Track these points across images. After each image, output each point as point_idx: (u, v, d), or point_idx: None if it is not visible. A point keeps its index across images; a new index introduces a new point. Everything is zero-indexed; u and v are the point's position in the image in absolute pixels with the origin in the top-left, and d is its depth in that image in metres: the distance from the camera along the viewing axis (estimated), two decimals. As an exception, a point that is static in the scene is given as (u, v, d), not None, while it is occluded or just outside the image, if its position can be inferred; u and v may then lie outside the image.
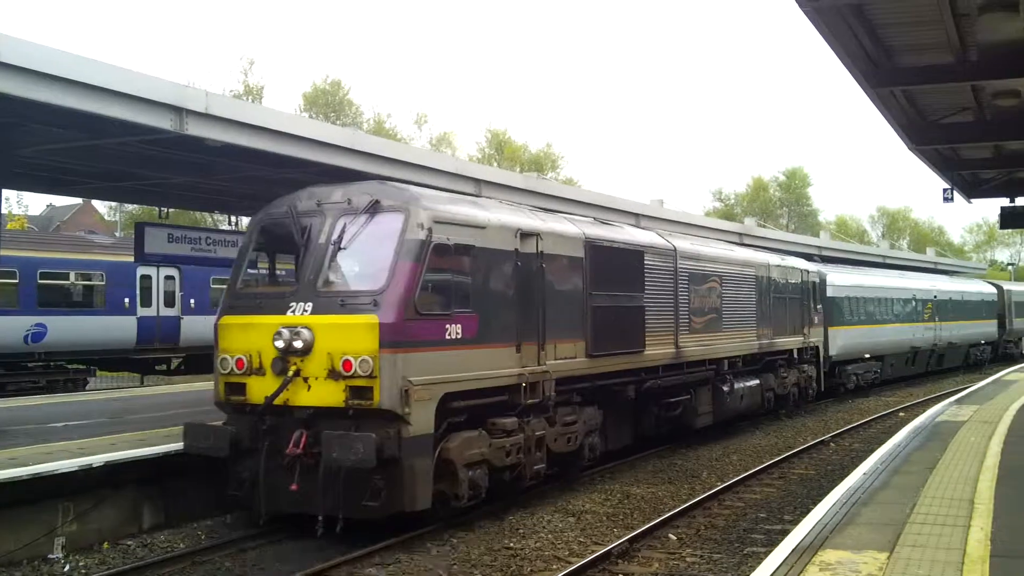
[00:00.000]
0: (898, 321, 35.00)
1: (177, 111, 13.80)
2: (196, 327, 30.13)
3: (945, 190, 23.26)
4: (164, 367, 31.85)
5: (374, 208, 12.03)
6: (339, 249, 11.87)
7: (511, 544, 12.12)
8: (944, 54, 14.21)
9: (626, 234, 17.03)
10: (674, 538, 12.32)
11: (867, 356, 32.01)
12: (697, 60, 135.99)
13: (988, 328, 45.28)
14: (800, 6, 10.86)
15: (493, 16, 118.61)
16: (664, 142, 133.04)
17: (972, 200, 25.58)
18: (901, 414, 25.37)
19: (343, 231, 11.93)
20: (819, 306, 27.15)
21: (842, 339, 29.98)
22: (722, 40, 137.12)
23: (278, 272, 13.37)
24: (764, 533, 12.44)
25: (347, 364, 11.23)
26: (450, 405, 11.92)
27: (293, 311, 11.68)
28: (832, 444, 20.50)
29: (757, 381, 22.10)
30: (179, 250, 18.26)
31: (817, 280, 27.33)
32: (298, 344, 11.46)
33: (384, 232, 11.76)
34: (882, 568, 7.85)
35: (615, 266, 15.77)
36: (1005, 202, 23.72)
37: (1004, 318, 47.41)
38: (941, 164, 22.04)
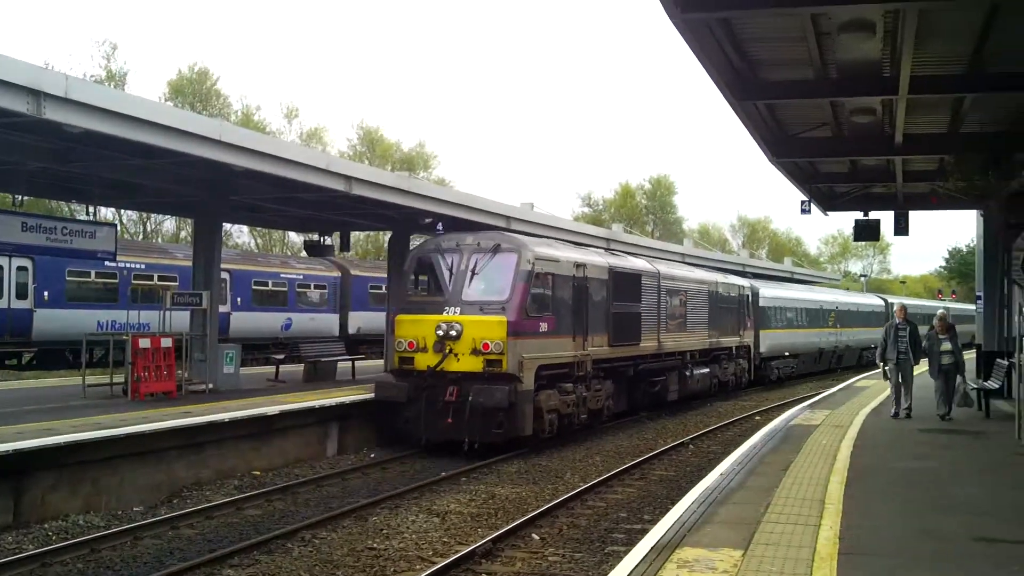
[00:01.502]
0: (810, 327, 42.16)
1: (34, 94, 13.25)
2: (50, 320, 28.98)
3: (803, 202, 24.10)
4: (15, 362, 30.53)
5: (496, 249, 19.64)
6: (474, 274, 19.43)
7: (374, 544, 12.03)
8: (806, 70, 14.72)
9: (630, 263, 24.97)
10: (537, 538, 12.43)
11: (787, 354, 39.04)
12: (568, 66, 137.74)
13: (877, 334, 47.77)
14: (670, 18, 11.09)
15: (368, 12, 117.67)
16: (536, 146, 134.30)
17: (828, 213, 26.50)
18: (757, 418, 26.14)
19: (476, 263, 19.56)
20: (751, 314, 34.34)
21: (769, 340, 36.91)
22: (592, 47, 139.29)
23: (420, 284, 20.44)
24: (625, 532, 12.65)
25: (485, 345, 18.56)
26: (540, 373, 19.19)
27: (447, 312, 18.98)
28: (691, 446, 20.98)
29: (708, 370, 29.56)
30: (33, 240, 17.50)
31: (750, 293, 34.76)
32: (453, 333, 18.75)
33: (504, 264, 19.36)
34: (736, 565, 8.08)
35: (624, 285, 23.37)
36: (859, 215, 24.55)
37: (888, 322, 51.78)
38: (800, 177, 22.81)
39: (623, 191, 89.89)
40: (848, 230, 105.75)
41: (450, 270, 19.77)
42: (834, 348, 45.34)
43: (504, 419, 18.45)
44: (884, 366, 19.52)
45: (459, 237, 20.24)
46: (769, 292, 38.23)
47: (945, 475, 12.66)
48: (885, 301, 55.66)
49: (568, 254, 21.38)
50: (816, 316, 43.28)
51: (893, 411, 19.34)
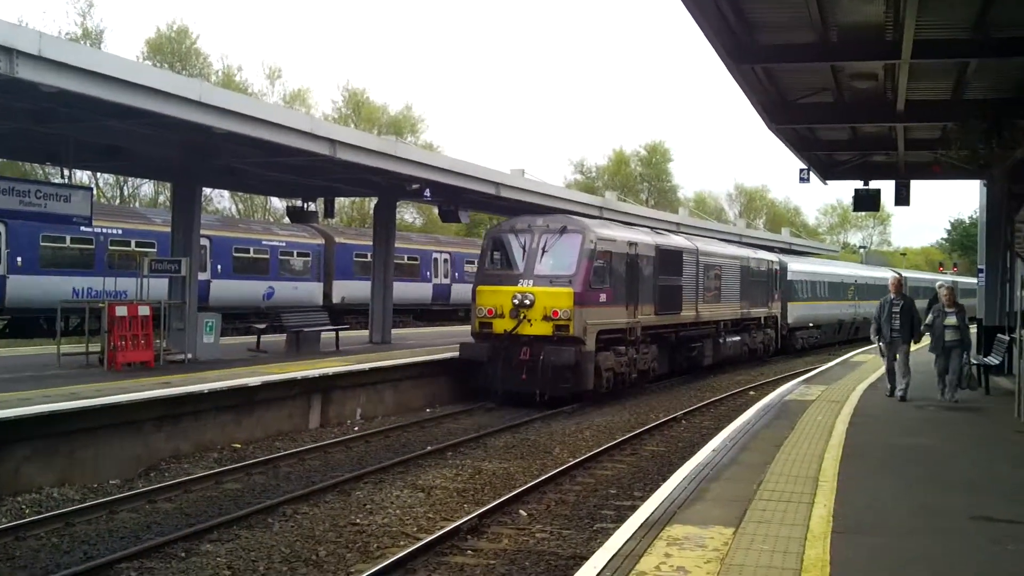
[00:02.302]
0: (832, 299, 45.65)
1: (7, 52, 13.12)
2: (24, 287, 28.83)
3: (802, 170, 24.02)
4: (-14, 329, 30.44)
5: (563, 230, 23.28)
6: (544, 252, 23.16)
7: (358, 520, 12.06)
8: (806, 33, 14.64)
9: (673, 241, 28.90)
10: (524, 514, 12.47)
11: (810, 325, 42.62)
12: (561, 29, 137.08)
13: None
14: (667, -23, 11.00)
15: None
16: (527, 111, 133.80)
17: (828, 181, 26.48)
18: (751, 393, 26.24)
19: (545, 242, 23.25)
20: (779, 287, 38.19)
21: (795, 312, 40.54)
22: (586, 8, 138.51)
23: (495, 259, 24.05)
24: (614, 509, 12.70)
25: (555, 312, 22.28)
26: (600, 337, 23.02)
27: (522, 284, 22.73)
28: (684, 421, 21.06)
29: (739, 338, 33.37)
30: (5, 203, 17.37)
31: (778, 268, 38.42)
32: (527, 302, 22.48)
33: (570, 243, 23.04)
34: (727, 543, 8.11)
35: (668, 261, 27.20)
36: (859, 184, 24.48)
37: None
38: (799, 144, 22.76)
39: (617, 158, 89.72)
40: (848, 200, 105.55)
41: (523, 248, 23.74)
42: (852, 319, 48.73)
43: (570, 375, 22.41)
44: (879, 342, 18.70)
45: (530, 220, 24.34)
46: (796, 266, 42.02)
47: (943, 452, 12.73)
48: (900, 275, 57.26)
49: (623, 234, 25.54)
50: (837, 289, 46.74)
51: (888, 390, 18.80)
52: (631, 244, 25.09)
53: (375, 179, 25.05)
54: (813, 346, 43.11)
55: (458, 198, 27.77)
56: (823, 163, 25.33)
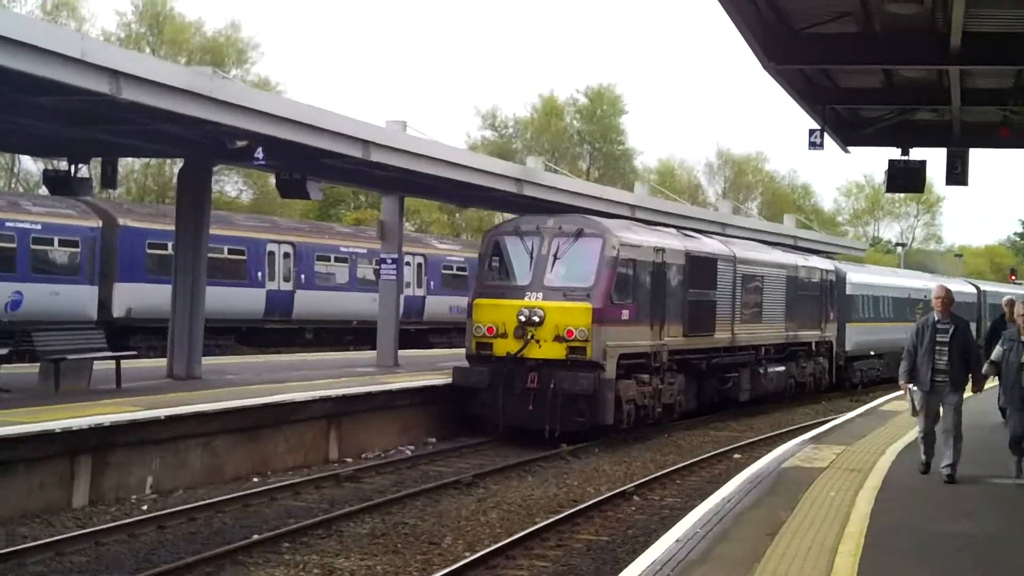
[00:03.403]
0: (897, 320, 48.60)
1: None
2: None
3: (813, 132, 24.24)
4: None
5: (579, 233, 27.42)
6: (556, 259, 27.29)
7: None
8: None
9: (706, 246, 33.18)
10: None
11: (871, 353, 46.27)
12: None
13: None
14: None
15: None
16: (414, 40, 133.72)
17: (850, 148, 26.89)
18: (736, 456, 26.56)
19: (558, 247, 27.39)
20: (835, 303, 42.24)
21: (855, 335, 44.03)
22: None
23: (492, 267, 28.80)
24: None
25: (569, 332, 26.28)
26: (621, 362, 26.88)
27: (529, 297, 26.82)
28: (636, 497, 21.24)
29: (783, 368, 37.38)
30: None
31: (834, 278, 42.38)
32: (535, 319, 26.56)
33: (588, 249, 27.19)
34: None
35: (701, 270, 31.31)
36: (895, 154, 24.88)
37: (981, 320, 59.96)
38: (809, 94, 23.04)
39: (545, 108, 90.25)
40: (879, 176, 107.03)
41: (530, 254, 27.66)
42: None
43: (586, 407, 26.30)
44: (911, 390, 17.51)
45: (539, 220, 28.40)
46: (858, 277, 46.07)
47: (1003, 542, 13.00)
48: (978, 289, 63.13)
49: (648, 238, 29.61)
50: (902, 307, 50.51)
51: (923, 463, 17.82)
52: (658, 250, 29.32)
53: (181, 132, 24.81)
54: (874, 381, 46.09)
55: (307, 163, 27.64)
56: (844, 122, 25.73)
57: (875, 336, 47.02)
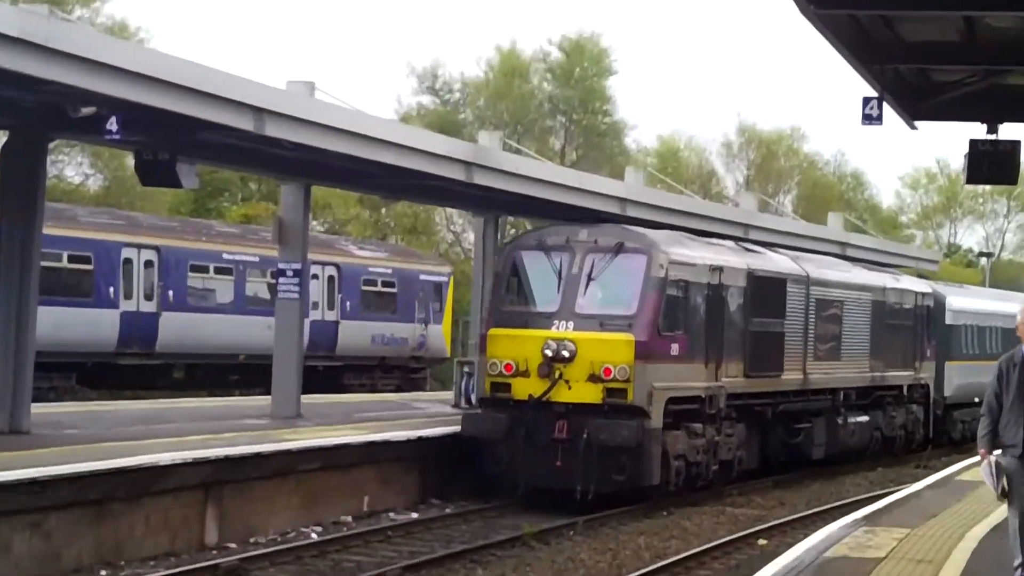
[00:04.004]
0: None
1: None
2: None
3: (868, 100, 24.34)
4: None
5: (619, 248, 29.06)
6: (591, 280, 28.93)
7: None
8: None
9: (772, 263, 35.33)
10: None
11: (976, 400, 45.72)
12: None
13: None
14: None
15: None
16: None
17: (917, 123, 26.98)
18: (761, 541, 26.60)
19: (593, 265, 29.07)
20: (931, 336, 44.94)
21: (957, 377, 46.25)
22: None
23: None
24: None
25: (607, 371, 27.97)
26: (668, 408, 28.62)
27: (557, 327, 28.55)
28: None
29: (867, 417, 39.78)
30: None
31: (932, 304, 44.85)
32: (564, 354, 28.15)
33: (630, 268, 28.85)
34: None
35: (766, 295, 33.39)
36: (979, 132, 24.97)
37: None
38: (863, 48, 23.09)
39: (504, 66, 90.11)
40: (956, 162, 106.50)
41: (559, 273, 29.61)
42: None
43: (628, 462, 28.14)
44: (989, 459, 15.94)
45: (569, 231, 30.32)
46: (959, 302, 48.34)
47: None
48: None
49: (703, 253, 31.75)
50: (1009, 340, 50.76)
51: (1018, 564, 16.08)
52: (714, 269, 31.43)
53: (4, 94, 24.74)
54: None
55: (178, 139, 27.56)
56: (910, 88, 25.80)
57: (981, 378, 47.57)
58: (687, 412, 29.64)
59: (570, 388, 28.16)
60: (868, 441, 39.99)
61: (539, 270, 29.74)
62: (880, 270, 45.86)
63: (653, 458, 28.11)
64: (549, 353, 28.22)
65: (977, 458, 16.62)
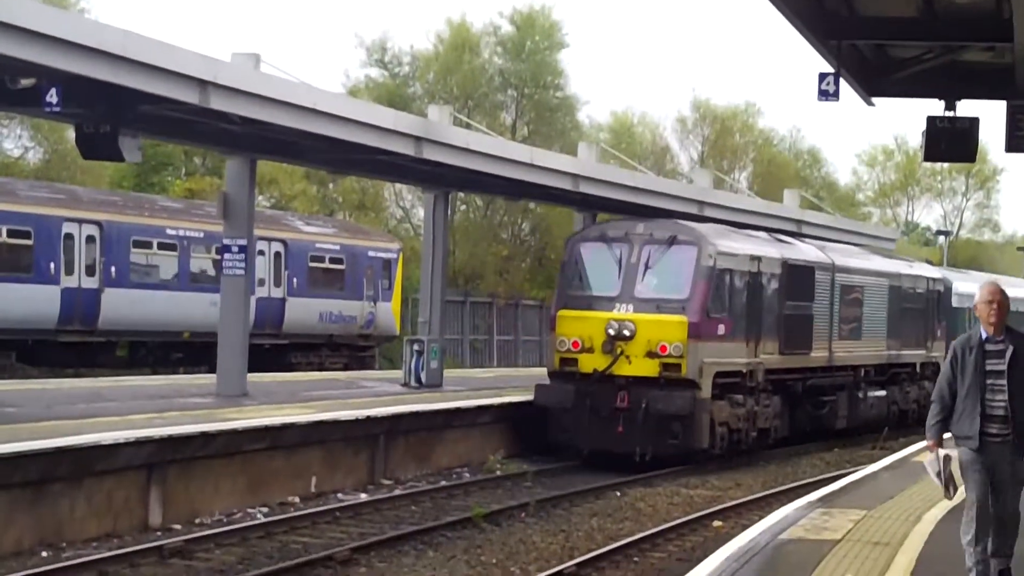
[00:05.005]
0: None
1: None
2: None
3: (825, 76, 24.38)
4: None
5: (672, 240, 35.17)
6: (648, 268, 34.94)
7: None
8: None
9: (803, 253, 41.15)
10: None
11: None
12: None
13: None
14: None
15: None
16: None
17: (875, 99, 27.01)
18: (716, 523, 26.66)
19: (649, 256, 35.05)
20: (941, 319, 50.11)
21: None
22: None
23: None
24: None
25: (663, 348, 33.94)
26: (715, 381, 34.60)
27: (618, 310, 34.52)
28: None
29: (884, 392, 45.09)
30: None
31: (941, 288, 49.82)
32: (625, 332, 34.22)
33: (683, 258, 34.90)
34: None
35: (798, 281, 38.86)
36: (937, 108, 25.01)
37: None
38: (819, 23, 23.12)
39: (454, 39, 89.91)
40: (914, 139, 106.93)
41: (619, 263, 35.04)
42: None
43: (680, 429, 33.54)
44: (941, 456, 15.05)
45: (627, 226, 36.34)
46: (964, 287, 51.51)
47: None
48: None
49: (744, 245, 37.42)
50: (1017, 322, 53.44)
51: (972, 559, 14.99)
52: (754, 259, 37.10)
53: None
54: None
55: (121, 112, 27.44)
56: (867, 64, 25.85)
57: None
58: (730, 385, 35.23)
59: (630, 363, 33.78)
60: (885, 414, 44.52)
61: (601, 259, 35.39)
62: (896, 257, 52.38)
63: (703, 425, 33.62)
64: (612, 332, 34.00)
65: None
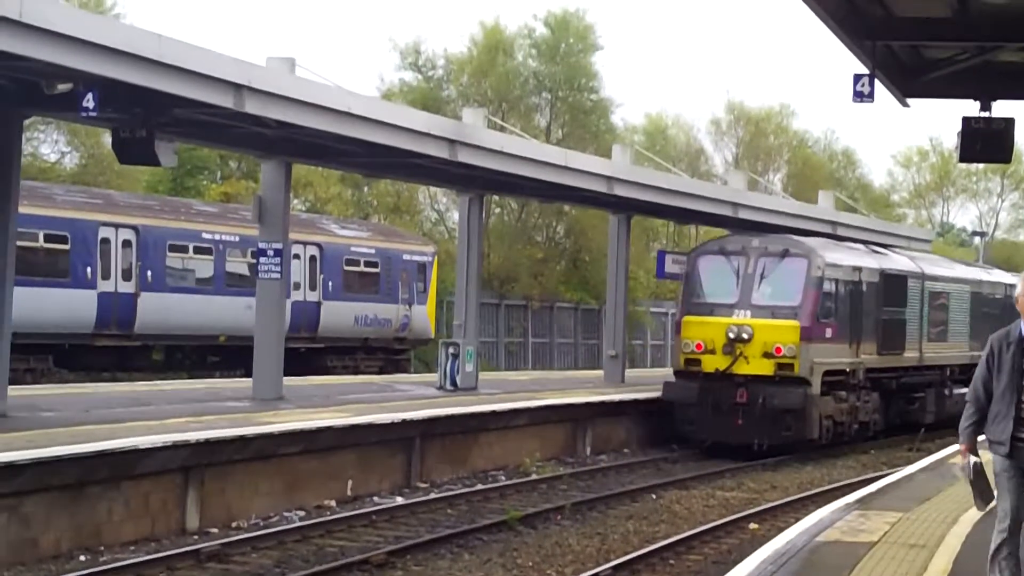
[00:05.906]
0: None
1: None
2: None
3: (859, 78, 24.35)
4: None
5: (784, 253, 40.84)
6: (763, 278, 40.58)
7: None
8: None
9: (897, 263, 46.98)
10: None
11: None
12: None
13: None
14: None
15: None
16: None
17: (909, 100, 26.94)
18: (752, 526, 26.61)
19: (764, 267, 40.74)
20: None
21: None
22: None
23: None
24: None
25: (778, 349, 39.15)
26: (823, 379, 40.11)
27: (737, 315, 39.98)
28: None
29: (967, 390, 40.11)
30: None
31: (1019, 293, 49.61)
32: (744, 336, 39.47)
33: (794, 269, 40.57)
34: None
35: (893, 289, 44.56)
36: (972, 109, 24.91)
37: None
38: (854, 24, 23.07)
39: (488, 41, 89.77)
40: (949, 140, 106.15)
41: (737, 273, 39.79)
42: None
43: (792, 422, 38.16)
44: (970, 461, 14.06)
45: (744, 240, 41.17)
46: None
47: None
48: None
49: (847, 256, 42.51)
50: None
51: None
52: (855, 269, 42.17)
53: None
54: None
55: (156, 116, 27.47)
56: (901, 65, 25.79)
57: None
58: (835, 382, 39.91)
59: (748, 363, 38.43)
60: None
61: (721, 270, 40.36)
62: (976, 265, 59.87)
63: (814, 418, 38.26)
64: (731, 335, 38.79)
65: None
